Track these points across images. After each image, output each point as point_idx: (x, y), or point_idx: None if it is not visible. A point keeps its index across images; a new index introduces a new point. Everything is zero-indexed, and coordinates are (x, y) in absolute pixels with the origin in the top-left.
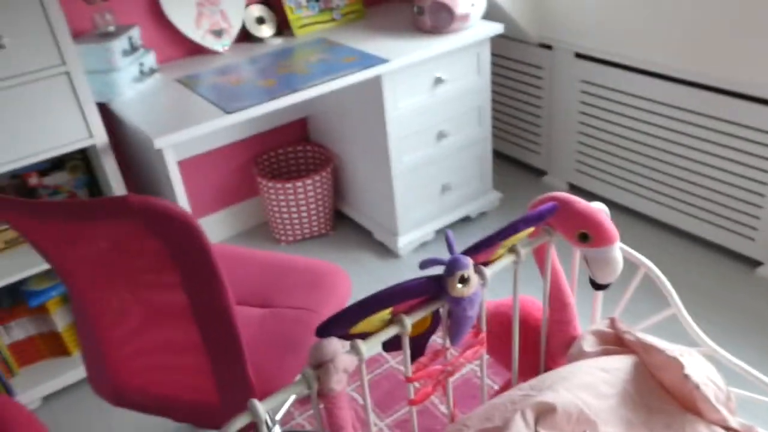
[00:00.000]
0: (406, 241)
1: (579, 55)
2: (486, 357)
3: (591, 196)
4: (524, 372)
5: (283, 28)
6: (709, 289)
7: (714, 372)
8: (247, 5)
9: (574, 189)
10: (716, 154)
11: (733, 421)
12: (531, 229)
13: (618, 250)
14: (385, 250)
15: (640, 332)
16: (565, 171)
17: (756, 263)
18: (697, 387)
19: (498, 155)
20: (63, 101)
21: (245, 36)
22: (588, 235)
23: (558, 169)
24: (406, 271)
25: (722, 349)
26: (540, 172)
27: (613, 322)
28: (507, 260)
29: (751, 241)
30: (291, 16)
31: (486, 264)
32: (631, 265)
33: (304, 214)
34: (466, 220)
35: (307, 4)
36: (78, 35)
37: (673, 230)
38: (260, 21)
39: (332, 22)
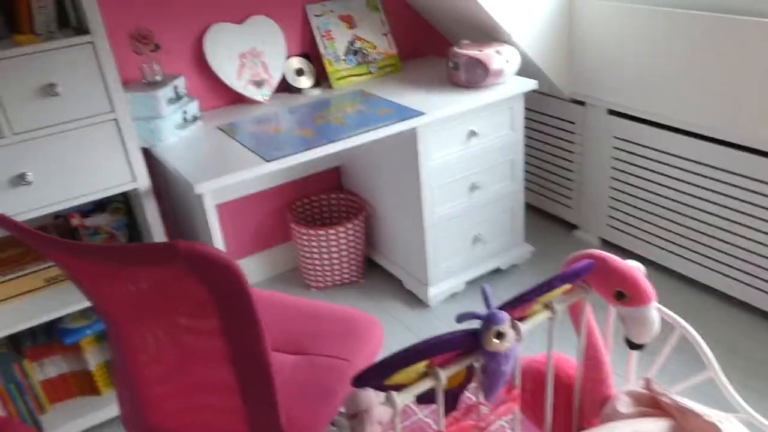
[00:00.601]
0: (436, 291)
1: (612, 112)
2: (518, 414)
3: (623, 252)
4: (557, 431)
5: (321, 79)
6: (748, 353)
7: None
8: (288, 57)
9: (606, 244)
10: (750, 213)
11: None
12: (566, 286)
13: (655, 310)
14: (415, 300)
15: (677, 395)
16: (597, 226)
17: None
18: None
19: (530, 208)
20: (110, 146)
21: (285, 87)
22: (624, 293)
23: (590, 224)
24: (435, 321)
25: (761, 416)
26: (572, 226)
27: (648, 383)
28: (542, 316)
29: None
30: (329, 69)
31: (521, 319)
32: (666, 326)
33: (336, 261)
34: (497, 272)
35: (345, 58)
36: (127, 83)
37: (708, 290)
38: (299, 73)
39: (369, 75)
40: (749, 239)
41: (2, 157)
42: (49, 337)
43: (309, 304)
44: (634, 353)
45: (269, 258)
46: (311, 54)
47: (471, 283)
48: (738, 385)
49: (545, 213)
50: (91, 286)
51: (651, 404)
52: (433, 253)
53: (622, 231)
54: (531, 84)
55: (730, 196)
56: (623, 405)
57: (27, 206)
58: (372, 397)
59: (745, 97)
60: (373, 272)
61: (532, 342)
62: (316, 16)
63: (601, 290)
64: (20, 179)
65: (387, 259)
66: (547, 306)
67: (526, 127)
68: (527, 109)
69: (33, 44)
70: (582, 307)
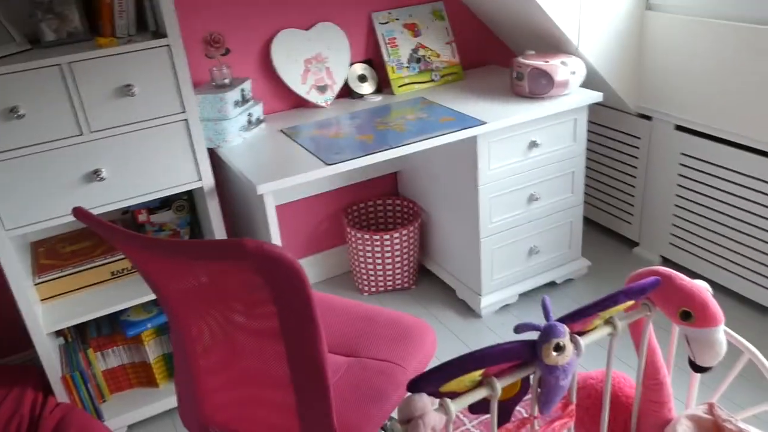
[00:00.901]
0: (489, 301)
1: (679, 128)
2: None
3: (684, 272)
4: None
5: (383, 86)
6: None
7: None
8: (352, 64)
9: (667, 262)
10: None
11: None
12: (629, 303)
13: (722, 333)
14: (467, 309)
15: (742, 422)
16: (658, 244)
17: None
18: None
19: (589, 222)
20: (179, 146)
21: (347, 92)
22: (691, 313)
23: (650, 242)
24: (486, 332)
25: None
26: (631, 243)
27: (711, 408)
28: (602, 332)
29: None
30: (392, 76)
31: (581, 334)
32: (731, 350)
33: (389, 267)
34: (551, 285)
35: (408, 65)
36: (196, 85)
37: (754, 305)
38: (362, 79)
39: (431, 82)
40: None
41: (79, 154)
42: (112, 328)
43: (363, 308)
44: (697, 376)
45: (323, 261)
46: (374, 60)
47: (524, 296)
48: None
49: (604, 228)
50: (158, 279)
51: (713, 430)
52: (488, 264)
53: (685, 250)
54: (596, 96)
55: None
56: (684, 429)
57: (100, 201)
58: (427, 402)
59: None
60: (426, 279)
61: (589, 359)
62: (381, 23)
63: (666, 309)
64: (95, 175)
65: (440, 266)
66: (608, 322)
67: (588, 140)
68: (590, 121)
69: (113, 47)
70: (644, 325)
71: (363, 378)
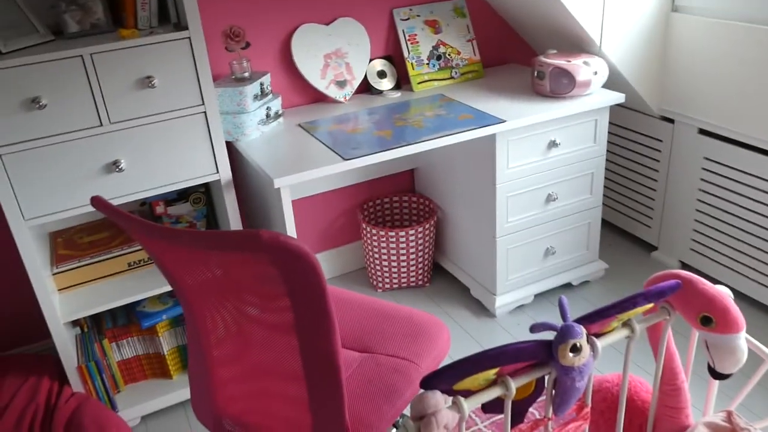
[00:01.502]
0: (503, 301)
1: (703, 131)
2: None
3: (705, 278)
4: None
5: (402, 82)
6: None
7: None
8: (371, 60)
9: (687, 268)
10: None
11: None
12: (648, 306)
13: (743, 340)
14: (481, 309)
15: (760, 431)
16: (677, 249)
17: None
18: None
19: (607, 225)
20: (198, 138)
21: (366, 87)
22: (712, 319)
23: (670, 246)
24: (500, 332)
25: None
26: (650, 247)
27: (730, 416)
28: (620, 335)
29: None
30: (411, 72)
31: (598, 336)
32: (752, 358)
33: (404, 264)
34: (567, 287)
35: (428, 62)
36: (216, 78)
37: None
38: (381, 75)
39: (451, 80)
40: None
41: (99, 144)
42: (128, 319)
43: (377, 304)
44: (715, 383)
45: (338, 256)
46: (394, 57)
47: (540, 296)
48: None
49: (622, 231)
50: (174, 270)
51: None
52: (503, 263)
53: (705, 255)
54: (618, 97)
55: None
56: None
57: (118, 192)
58: (440, 400)
59: None
60: (440, 277)
61: (606, 362)
62: (402, 20)
63: (686, 313)
64: (114, 166)
65: (455, 264)
66: (626, 324)
67: (609, 142)
68: (612, 123)
69: (135, 38)
70: (663, 329)
71: (376, 374)
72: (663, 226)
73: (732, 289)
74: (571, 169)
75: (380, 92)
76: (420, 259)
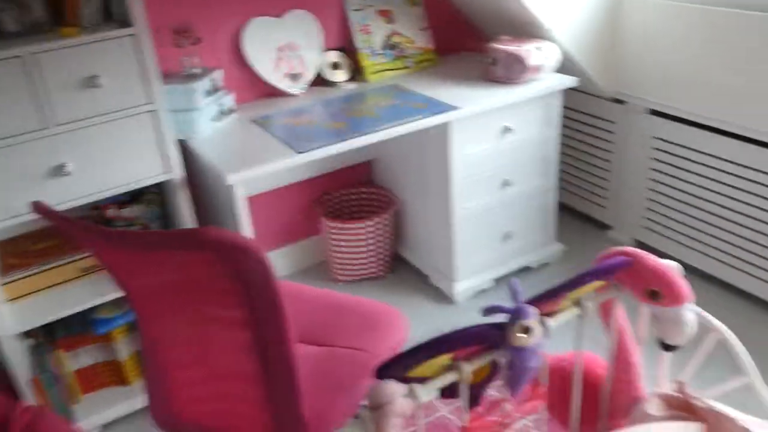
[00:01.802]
0: (463, 287)
1: (653, 112)
2: (544, 413)
3: (658, 255)
4: (583, 431)
5: (356, 73)
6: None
7: None
8: (324, 51)
9: (641, 246)
10: None
11: None
12: (598, 283)
13: (691, 311)
14: (442, 296)
15: (711, 399)
16: (631, 227)
17: None
18: None
19: (563, 207)
20: (147, 137)
21: (320, 80)
22: (659, 293)
23: (624, 225)
24: (462, 318)
25: None
26: (605, 227)
27: (681, 387)
28: (571, 313)
29: None
30: (365, 63)
31: (549, 315)
32: (702, 329)
33: (363, 255)
34: (526, 270)
35: (382, 52)
36: (166, 75)
37: (747, 296)
38: (335, 66)
39: (405, 69)
40: None
41: (44, 148)
42: (83, 327)
43: (333, 296)
44: (667, 355)
45: (298, 250)
46: (348, 48)
47: (499, 281)
48: None
49: (578, 212)
50: (122, 273)
51: (683, 408)
52: (461, 249)
53: (659, 233)
54: (570, 81)
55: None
56: (653, 407)
57: (66, 196)
58: (394, 389)
59: None
60: (401, 267)
61: (559, 341)
62: (354, 10)
63: (635, 289)
64: (59, 170)
65: (415, 254)
66: (577, 303)
67: (563, 125)
68: (565, 106)
69: (77, 37)
70: (613, 305)
71: (333, 367)
72: (617, 206)
73: (686, 264)
74: (525, 153)
75: (334, 84)
76: (380, 250)
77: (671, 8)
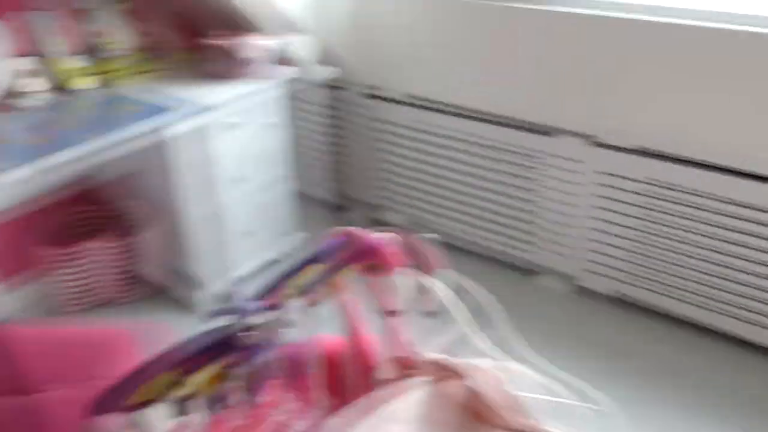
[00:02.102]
0: (207, 293)
1: (371, 96)
2: (294, 403)
3: (393, 228)
4: (335, 409)
5: (56, 81)
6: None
7: (504, 381)
8: (13, 58)
9: (380, 223)
10: (505, 182)
11: (524, 425)
12: (321, 266)
13: (405, 277)
14: (184, 306)
15: (435, 353)
16: (366, 205)
17: (530, 272)
18: (480, 395)
19: (303, 196)
20: None
21: (11, 92)
22: (376, 265)
23: (359, 206)
24: (206, 326)
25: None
26: (343, 209)
27: (408, 347)
28: (299, 301)
29: (527, 250)
30: (61, 68)
31: (277, 307)
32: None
33: (96, 280)
34: (273, 263)
35: (82, 56)
36: None
37: (464, 251)
38: (27, 75)
39: (113, 72)
40: (502, 203)
41: None
42: None
43: (50, 334)
44: (399, 321)
45: (26, 286)
46: (43, 54)
47: (245, 279)
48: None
49: (318, 200)
50: None
51: (413, 366)
52: (200, 256)
53: (392, 209)
54: (291, 72)
55: (488, 168)
56: (386, 372)
57: None
58: (110, 427)
59: (494, 73)
60: (142, 285)
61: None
62: (40, 13)
63: (357, 266)
64: None
65: (157, 268)
66: (303, 290)
67: (291, 115)
68: (296, 98)
69: None
70: (341, 285)
71: (39, 418)
72: (353, 186)
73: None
74: (255, 148)
75: (27, 95)
76: (114, 272)
77: None
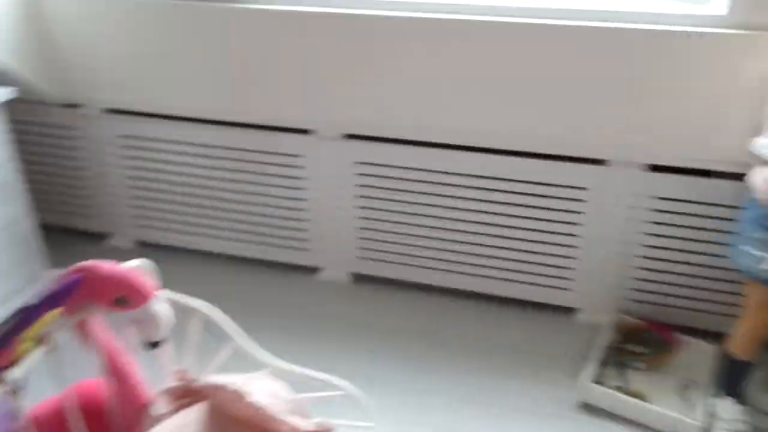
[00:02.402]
0: None
1: (111, 111)
2: None
3: (165, 249)
4: None
5: None
6: (273, 305)
7: (281, 386)
8: None
9: (145, 246)
10: (252, 181)
11: (307, 425)
12: (55, 311)
13: (160, 304)
14: None
15: (210, 375)
16: (130, 230)
17: (312, 270)
18: (260, 409)
19: (51, 230)
20: None
21: None
22: (124, 297)
23: (123, 228)
24: None
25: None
26: (101, 236)
27: (182, 374)
28: (39, 352)
29: (304, 251)
30: None
31: (11, 365)
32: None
33: None
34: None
35: None
36: None
37: (230, 259)
38: None
39: None
40: (256, 203)
41: None
42: None
43: None
44: (166, 351)
45: None
46: None
47: None
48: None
49: (73, 230)
50: None
51: (188, 394)
52: None
53: (150, 227)
54: (7, 93)
55: (232, 170)
56: (161, 406)
57: None
58: None
59: (205, 76)
60: None
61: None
62: None
63: (102, 301)
64: None
65: None
66: (41, 339)
67: (19, 142)
68: (15, 121)
69: None
70: (89, 325)
71: None
72: (108, 211)
73: (187, 250)
74: None
75: None
76: None
77: (96, 2)
